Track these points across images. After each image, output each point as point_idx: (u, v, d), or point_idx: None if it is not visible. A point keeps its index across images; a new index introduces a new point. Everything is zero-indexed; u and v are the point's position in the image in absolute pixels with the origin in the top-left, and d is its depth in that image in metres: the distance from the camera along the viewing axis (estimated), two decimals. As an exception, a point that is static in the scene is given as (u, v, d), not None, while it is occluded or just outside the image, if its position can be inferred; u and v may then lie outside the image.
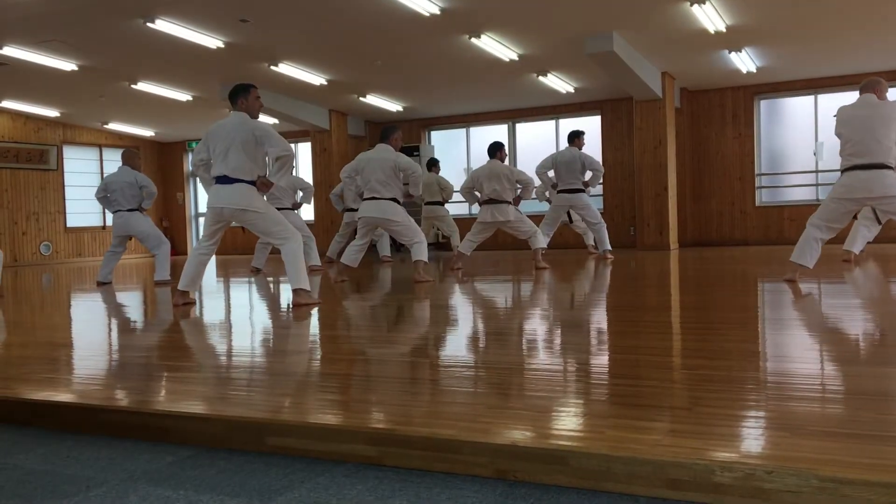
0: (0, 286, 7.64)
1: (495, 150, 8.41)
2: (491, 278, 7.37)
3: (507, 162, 8.53)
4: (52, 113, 14.27)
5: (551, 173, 9.59)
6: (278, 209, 8.86)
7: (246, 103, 5.24)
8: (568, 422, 2.14)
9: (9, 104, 13.48)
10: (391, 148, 6.93)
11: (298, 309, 5.11)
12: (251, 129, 5.12)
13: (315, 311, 4.98)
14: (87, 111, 14.24)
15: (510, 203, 8.26)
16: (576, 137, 9.51)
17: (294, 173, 9.90)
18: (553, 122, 13.73)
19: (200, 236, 5.61)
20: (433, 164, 11.33)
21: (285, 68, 10.75)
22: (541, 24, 9.02)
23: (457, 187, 10.37)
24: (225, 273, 9.76)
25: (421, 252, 6.96)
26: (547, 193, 10.26)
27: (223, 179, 5.18)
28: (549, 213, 9.82)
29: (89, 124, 15.46)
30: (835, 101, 11.94)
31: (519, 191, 8.30)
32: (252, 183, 5.20)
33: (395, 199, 6.87)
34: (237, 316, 5.35)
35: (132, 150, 8.47)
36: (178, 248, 17.46)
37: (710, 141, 12.69)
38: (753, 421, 2.08)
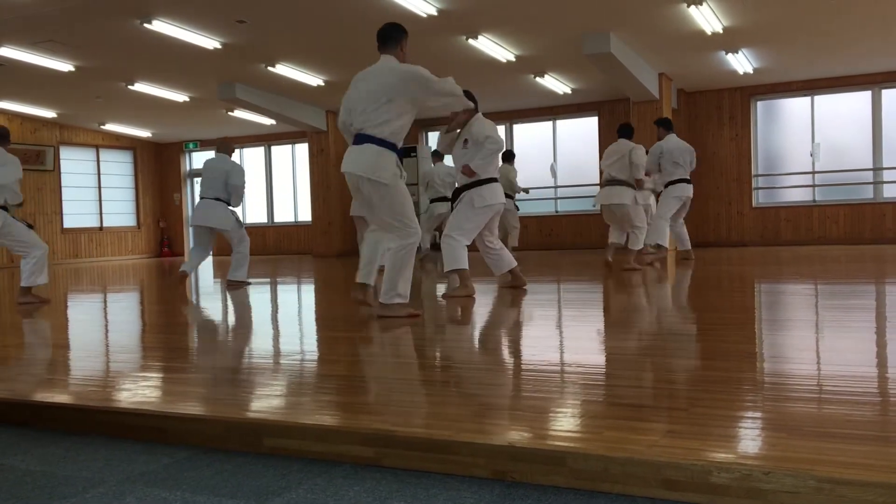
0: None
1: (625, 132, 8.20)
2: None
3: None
4: (48, 114, 14.25)
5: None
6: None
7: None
8: (565, 423, 2.14)
9: (5, 105, 13.45)
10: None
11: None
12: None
13: (317, 312, 4.97)
14: (83, 112, 14.22)
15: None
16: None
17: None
18: (550, 122, 13.74)
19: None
20: (508, 158, 11.18)
21: (282, 69, 10.75)
22: (538, 25, 9.03)
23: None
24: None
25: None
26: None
27: None
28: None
29: (86, 125, 15.44)
30: (831, 103, 12.00)
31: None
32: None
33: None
34: (232, 317, 5.35)
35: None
36: (175, 250, 17.44)
37: (706, 142, 12.70)
38: (750, 422, 2.08)
